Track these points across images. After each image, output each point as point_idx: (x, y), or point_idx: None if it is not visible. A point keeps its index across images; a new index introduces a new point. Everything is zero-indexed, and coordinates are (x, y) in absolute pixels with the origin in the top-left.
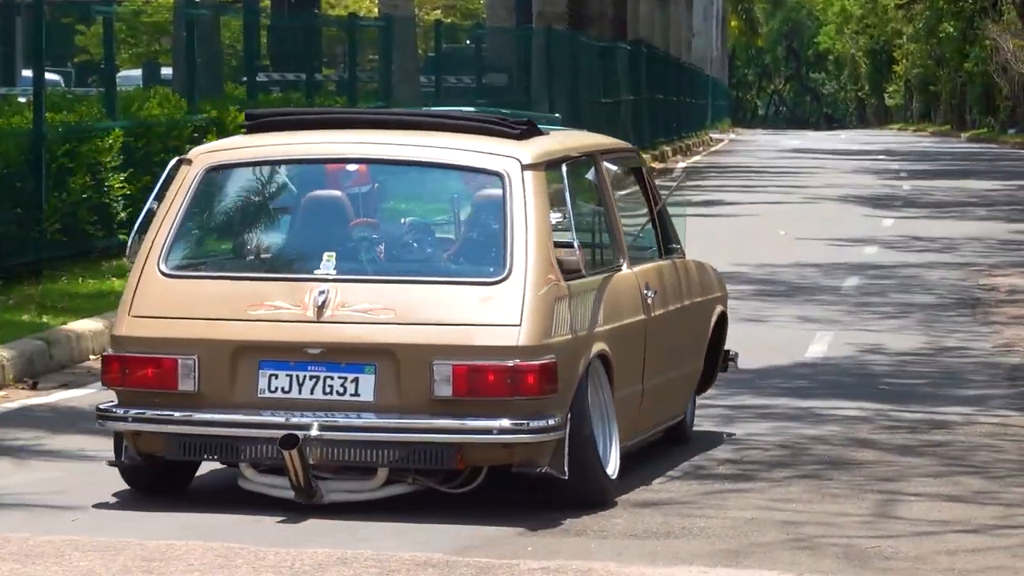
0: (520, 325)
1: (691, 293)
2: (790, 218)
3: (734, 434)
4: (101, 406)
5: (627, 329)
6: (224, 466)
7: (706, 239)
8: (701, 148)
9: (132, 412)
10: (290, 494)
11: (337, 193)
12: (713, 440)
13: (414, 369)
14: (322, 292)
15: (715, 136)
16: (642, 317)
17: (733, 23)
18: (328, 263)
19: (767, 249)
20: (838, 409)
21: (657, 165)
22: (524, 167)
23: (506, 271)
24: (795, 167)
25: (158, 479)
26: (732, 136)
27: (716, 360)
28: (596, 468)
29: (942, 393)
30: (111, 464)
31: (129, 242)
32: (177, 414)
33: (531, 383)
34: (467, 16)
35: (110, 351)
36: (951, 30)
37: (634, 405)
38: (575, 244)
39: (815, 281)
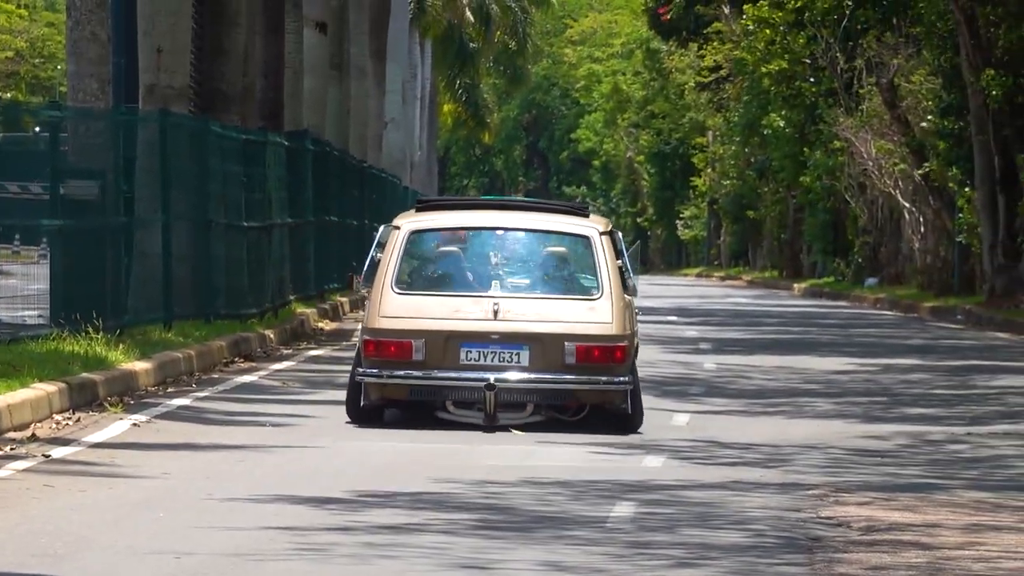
0: (611, 323)
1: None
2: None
3: None
4: (359, 370)
5: (635, 332)
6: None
7: (396, 442)
8: None
9: (386, 372)
10: (477, 421)
11: (494, 243)
12: None
13: (553, 348)
14: (495, 304)
15: None
16: (637, 328)
17: (447, 107)
18: (496, 287)
19: (492, 457)
20: None
21: (327, 326)
22: (600, 233)
23: (601, 291)
24: None
25: (376, 416)
26: None
27: None
28: (642, 407)
29: None
30: (361, 408)
31: (362, 279)
32: (416, 372)
33: (619, 356)
34: (38, 90)
35: (367, 337)
36: (780, 124)
37: None
38: (633, 276)
39: (566, 509)
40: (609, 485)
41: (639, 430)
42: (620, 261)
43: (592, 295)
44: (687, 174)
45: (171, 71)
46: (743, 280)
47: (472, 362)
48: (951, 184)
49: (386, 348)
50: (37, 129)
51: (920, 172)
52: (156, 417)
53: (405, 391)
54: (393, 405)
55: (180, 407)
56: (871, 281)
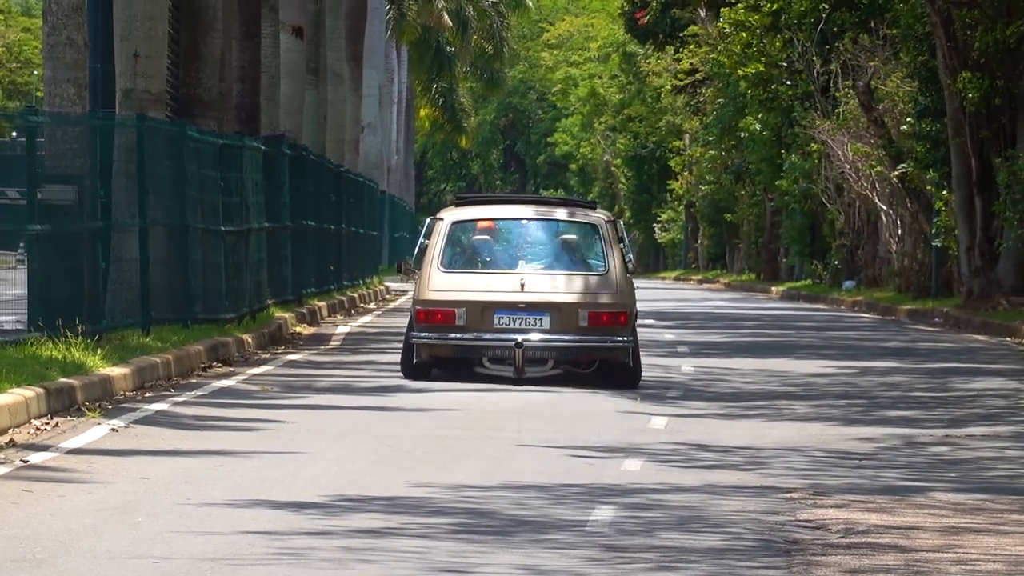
0: (616, 293)
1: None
2: (507, 414)
3: None
4: (412, 334)
5: (635, 301)
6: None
7: (374, 447)
8: (373, 304)
9: (434, 335)
10: (508, 373)
11: (520, 231)
12: None
13: (569, 314)
14: (522, 279)
15: (394, 286)
16: (635, 299)
17: (424, 112)
18: (522, 265)
19: (470, 461)
20: None
21: (304, 330)
22: (607, 221)
23: (607, 268)
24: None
25: (425, 372)
26: None
27: None
28: (640, 362)
29: None
30: (414, 365)
31: (413, 261)
32: (458, 335)
33: (622, 320)
34: (14, 95)
35: (419, 307)
36: (757, 127)
37: None
38: (632, 258)
39: (545, 513)
40: (588, 488)
41: (638, 385)
42: (622, 244)
43: (600, 271)
44: (664, 177)
45: (148, 76)
46: (721, 283)
47: (504, 326)
48: (928, 187)
49: (434, 315)
50: (14, 134)
51: (897, 174)
52: (134, 422)
53: (450, 350)
54: (439, 363)
55: (158, 412)
56: (848, 284)
